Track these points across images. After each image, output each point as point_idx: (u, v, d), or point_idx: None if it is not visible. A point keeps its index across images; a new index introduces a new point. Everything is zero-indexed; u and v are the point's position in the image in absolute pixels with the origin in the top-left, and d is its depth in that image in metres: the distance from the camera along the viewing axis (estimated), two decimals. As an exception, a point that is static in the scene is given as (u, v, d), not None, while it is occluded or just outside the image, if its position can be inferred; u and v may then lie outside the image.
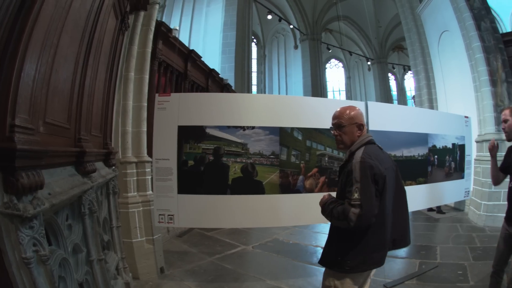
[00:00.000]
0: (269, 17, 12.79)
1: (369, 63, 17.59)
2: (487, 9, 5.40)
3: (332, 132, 1.53)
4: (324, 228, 4.86)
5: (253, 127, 2.45)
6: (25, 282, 1.08)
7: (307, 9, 14.95)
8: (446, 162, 3.59)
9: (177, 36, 4.42)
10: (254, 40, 15.72)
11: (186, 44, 6.82)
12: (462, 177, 3.76)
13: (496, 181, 2.15)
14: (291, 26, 14.41)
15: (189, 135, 2.46)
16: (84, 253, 1.83)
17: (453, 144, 3.68)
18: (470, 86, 5.35)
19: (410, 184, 3.12)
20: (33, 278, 1.10)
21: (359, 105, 2.83)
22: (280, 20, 12.80)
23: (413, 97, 8.04)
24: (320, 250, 3.71)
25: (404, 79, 19.09)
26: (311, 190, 2.51)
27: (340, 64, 19.50)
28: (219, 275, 3.10)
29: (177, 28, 4.64)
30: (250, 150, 2.44)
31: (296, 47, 15.57)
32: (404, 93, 19.04)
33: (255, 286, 2.85)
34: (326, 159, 2.56)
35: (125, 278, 2.62)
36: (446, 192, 3.64)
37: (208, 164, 2.45)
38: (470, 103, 5.36)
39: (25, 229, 1.08)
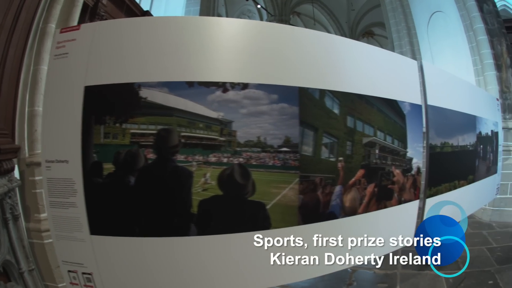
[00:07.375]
0: (235, -5, 11.68)
1: (337, 47, 17.48)
2: (489, -9, 5.21)
3: None
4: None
5: (245, 85, 1.17)
6: None
7: (276, -11, 14.30)
8: (487, 153, 2.77)
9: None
10: (218, 22, 14.88)
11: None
12: (496, 171, 3.03)
13: None
14: (259, 6, 13.58)
15: (107, 105, 1.18)
16: None
17: (491, 131, 2.88)
18: (468, 69, 5.30)
19: (463, 185, 2.20)
20: None
21: (410, 64, 1.76)
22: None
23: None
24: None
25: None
26: (352, 211, 1.33)
27: (307, 49, 19.41)
28: None
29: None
30: (239, 135, 1.15)
31: (262, 29, 15.03)
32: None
33: None
34: (377, 152, 1.39)
35: None
36: (484, 191, 2.86)
37: (146, 170, 1.16)
38: (468, 87, 5.04)
39: None
